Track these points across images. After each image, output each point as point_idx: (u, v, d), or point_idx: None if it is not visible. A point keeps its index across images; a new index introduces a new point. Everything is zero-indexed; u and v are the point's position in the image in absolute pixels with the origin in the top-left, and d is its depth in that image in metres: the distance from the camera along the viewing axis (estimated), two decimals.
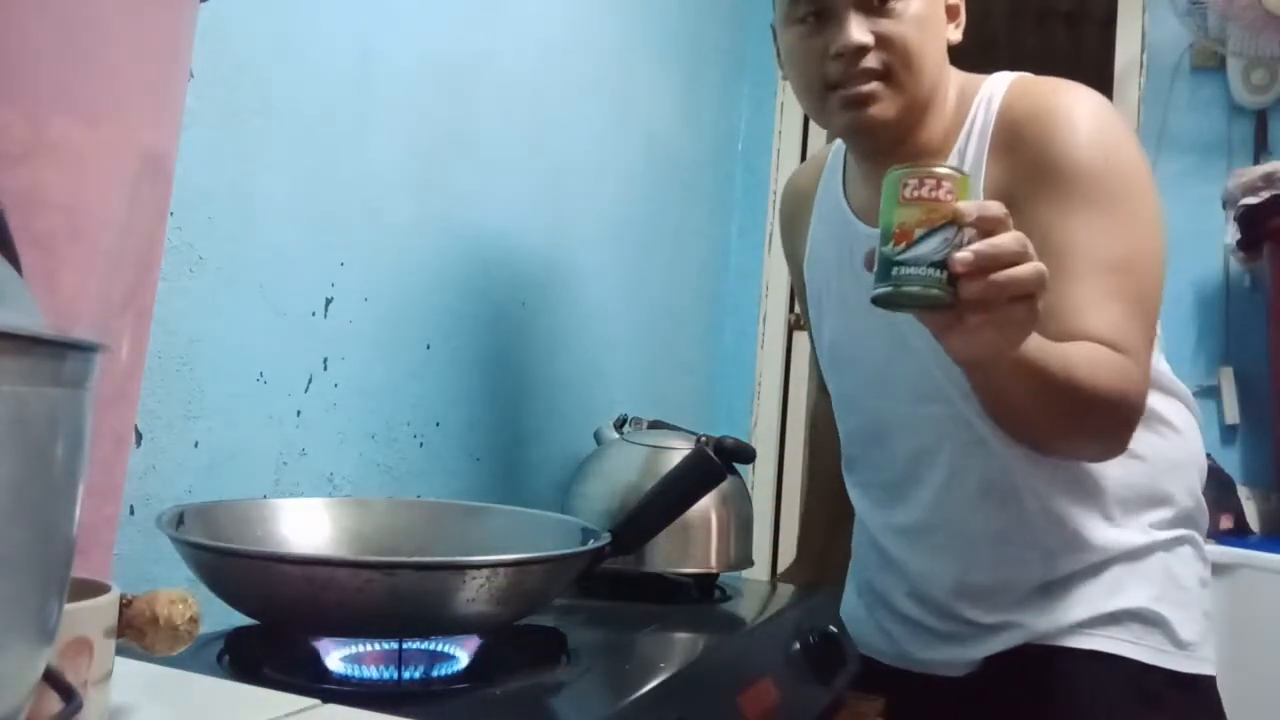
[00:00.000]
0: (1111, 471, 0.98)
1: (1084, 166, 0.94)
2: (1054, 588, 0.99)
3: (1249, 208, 1.91)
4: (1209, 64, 2.17)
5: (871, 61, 0.97)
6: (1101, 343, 0.88)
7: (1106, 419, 0.90)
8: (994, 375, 0.85)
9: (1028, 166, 0.96)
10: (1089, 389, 0.86)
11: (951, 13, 1.03)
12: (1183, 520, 1.02)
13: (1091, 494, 0.99)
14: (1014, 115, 0.98)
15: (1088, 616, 0.98)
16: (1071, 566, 0.99)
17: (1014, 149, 0.97)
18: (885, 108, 0.98)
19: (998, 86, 1.02)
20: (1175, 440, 1.02)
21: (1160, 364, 1.02)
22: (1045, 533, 0.99)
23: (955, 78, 1.05)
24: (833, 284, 1.15)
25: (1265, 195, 1.89)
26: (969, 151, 1.00)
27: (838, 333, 1.16)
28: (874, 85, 0.98)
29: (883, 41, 0.96)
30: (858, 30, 0.96)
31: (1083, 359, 0.86)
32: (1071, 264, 0.90)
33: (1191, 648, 0.98)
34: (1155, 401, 0.99)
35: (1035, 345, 0.81)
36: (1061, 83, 1.00)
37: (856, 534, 1.22)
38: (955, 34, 1.03)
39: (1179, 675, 0.97)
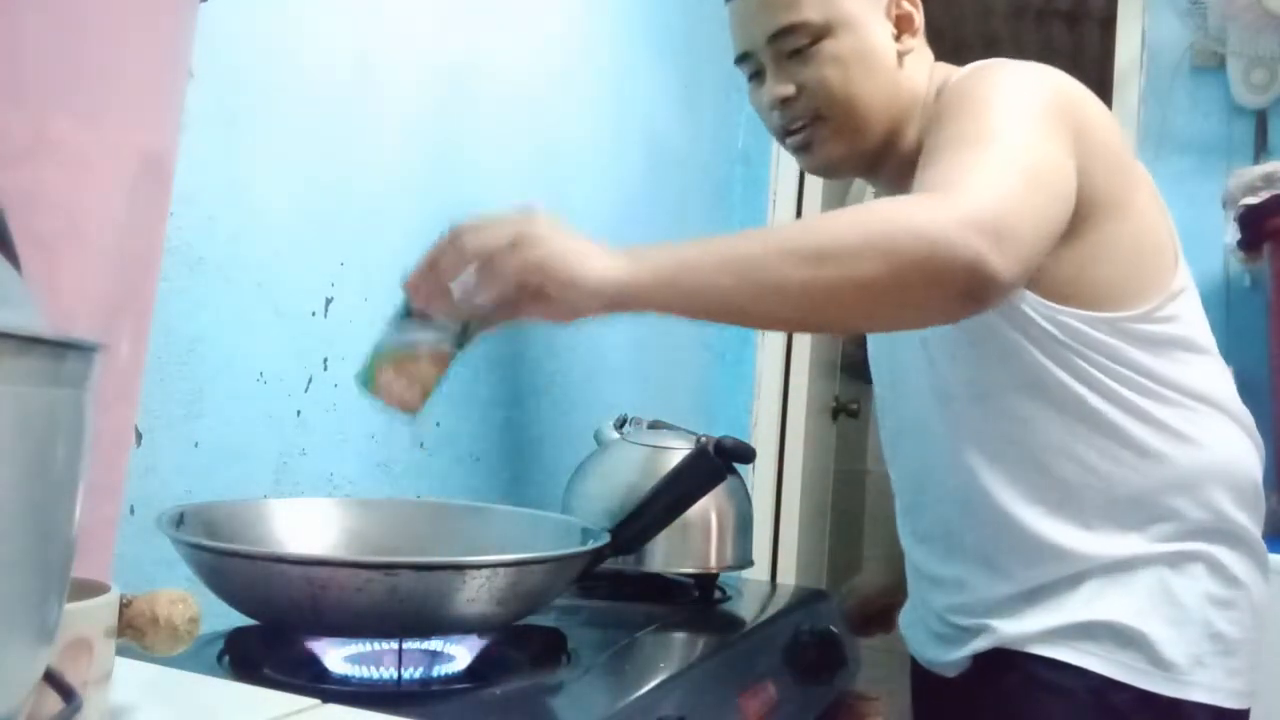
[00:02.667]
0: (1089, 481, 0.95)
1: (955, 100, 0.93)
2: (1034, 595, 0.97)
3: (1249, 208, 1.91)
4: (1209, 64, 2.16)
5: (799, 109, 1.00)
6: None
7: (877, 247, 0.75)
8: (658, 299, 0.77)
9: (931, 134, 0.94)
10: (814, 240, 0.76)
11: (901, 24, 1.01)
12: (1195, 535, 0.95)
13: (1064, 504, 0.95)
14: (939, 100, 0.97)
15: (1058, 625, 0.95)
16: (1050, 575, 0.96)
17: (928, 130, 0.96)
18: (827, 149, 1.02)
19: (955, 77, 1.00)
20: (1188, 452, 0.96)
21: (1177, 374, 0.96)
22: (1022, 543, 0.97)
23: (938, 78, 1.03)
24: None
25: (1265, 195, 1.88)
26: None
27: (869, 344, 1.17)
28: (806, 133, 1.01)
29: (805, 89, 0.99)
30: (777, 84, 1.00)
31: (808, 223, 0.80)
32: (919, 170, 0.88)
33: (1176, 670, 0.92)
34: (1160, 411, 0.95)
35: (693, 253, 0.77)
36: (997, 61, 0.98)
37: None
38: (910, 42, 1.02)
39: (1154, 697, 0.92)
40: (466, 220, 0.78)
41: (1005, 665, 0.97)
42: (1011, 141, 0.85)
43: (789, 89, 0.99)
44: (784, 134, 1.04)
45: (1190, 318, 0.99)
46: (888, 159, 1.03)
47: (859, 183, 1.24)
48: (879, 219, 0.78)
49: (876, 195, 1.13)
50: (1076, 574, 0.95)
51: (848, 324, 0.85)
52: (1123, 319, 0.94)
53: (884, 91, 1.00)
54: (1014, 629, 0.97)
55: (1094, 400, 0.94)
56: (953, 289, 0.77)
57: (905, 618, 1.18)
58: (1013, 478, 0.98)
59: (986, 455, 0.99)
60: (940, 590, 1.07)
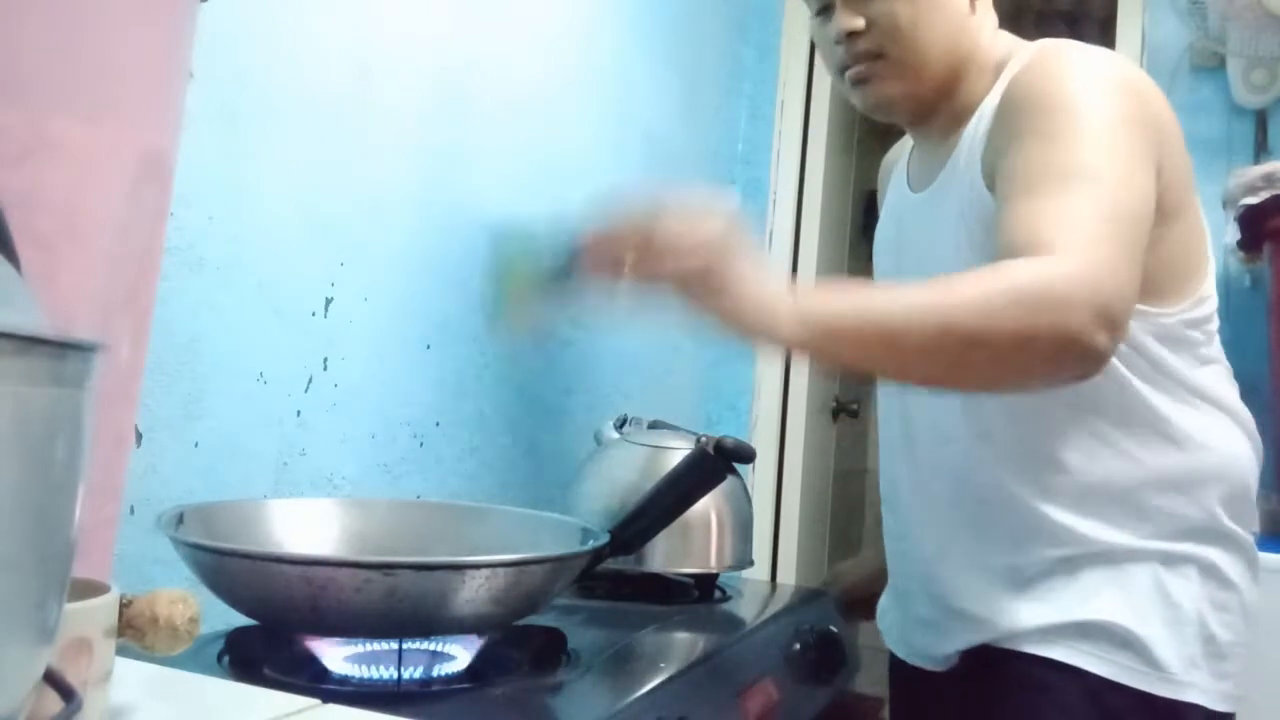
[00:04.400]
0: (1086, 468, 0.95)
1: (1035, 100, 0.92)
2: (1029, 582, 0.96)
3: (1249, 208, 1.90)
4: (1209, 64, 2.16)
5: (865, 44, 1.01)
6: (1016, 250, 0.82)
7: (1020, 334, 0.79)
8: (793, 345, 0.84)
9: (1006, 130, 0.94)
10: (965, 323, 0.78)
11: None
12: (1189, 534, 0.95)
13: (1058, 487, 0.95)
14: (1012, 89, 0.97)
15: (1052, 623, 0.94)
16: (1041, 554, 0.96)
17: (1000, 117, 0.96)
18: (885, 86, 1.02)
19: (1024, 56, 1.00)
20: (1190, 452, 0.95)
21: (1192, 375, 0.97)
22: (1013, 517, 0.97)
23: (1005, 42, 1.04)
24: (890, 256, 1.15)
25: (1265, 195, 1.88)
26: (981, 125, 0.98)
27: None
28: (867, 66, 1.02)
29: (874, 23, 1.00)
30: (846, 17, 1.01)
31: (958, 299, 0.80)
32: (1007, 187, 0.89)
33: (1172, 672, 0.92)
34: (1168, 408, 0.95)
35: (837, 308, 0.81)
36: (1068, 48, 0.97)
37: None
38: None
39: (1150, 698, 0.91)
40: (670, 215, 0.81)
41: (996, 663, 0.97)
42: (1105, 183, 0.86)
43: (858, 22, 1.00)
44: (843, 69, 1.04)
45: (1211, 327, 0.99)
46: (941, 108, 1.04)
47: (888, 160, 1.23)
48: (1026, 298, 0.79)
49: (914, 152, 1.13)
50: (1069, 559, 0.95)
51: (972, 389, 0.94)
52: (1154, 314, 0.94)
53: (950, 34, 1.01)
54: (1006, 624, 0.96)
55: (1107, 390, 0.94)
56: (1075, 373, 0.83)
57: (884, 603, 1.17)
58: (1009, 455, 0.98)
59: (985, 429, 0.99)
60: (930, 564, 1.05)
